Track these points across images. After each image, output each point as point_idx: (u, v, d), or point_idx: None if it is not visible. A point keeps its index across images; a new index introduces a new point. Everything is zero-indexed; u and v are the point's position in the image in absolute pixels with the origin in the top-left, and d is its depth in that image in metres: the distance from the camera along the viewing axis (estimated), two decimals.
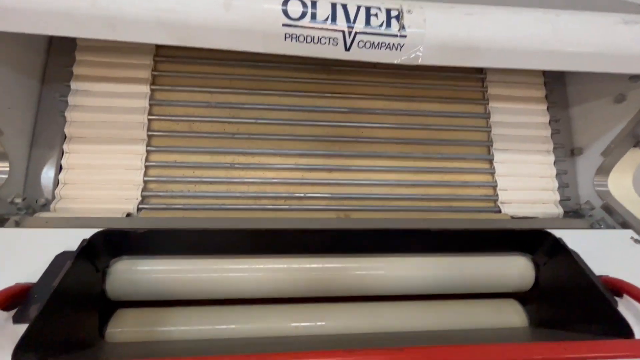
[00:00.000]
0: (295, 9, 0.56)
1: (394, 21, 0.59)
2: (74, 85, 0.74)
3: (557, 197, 0.83)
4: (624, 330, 0.46)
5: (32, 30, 0.55)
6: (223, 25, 0.56)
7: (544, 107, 0.88)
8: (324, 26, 0.57)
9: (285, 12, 0.56)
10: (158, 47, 0.79)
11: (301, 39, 0.58)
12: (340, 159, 0.80)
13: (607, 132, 0.81)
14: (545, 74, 0.90)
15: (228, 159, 0.78)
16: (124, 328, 0.53)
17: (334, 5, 0.57)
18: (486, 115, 0.86)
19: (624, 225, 0.74)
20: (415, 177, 0.82)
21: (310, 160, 0.79)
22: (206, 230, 0.59)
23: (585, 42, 0.63)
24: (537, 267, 0.62)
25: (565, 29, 0.63)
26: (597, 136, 0.83)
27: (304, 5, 0.56)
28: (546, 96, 0.89)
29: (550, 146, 0.86)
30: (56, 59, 0.76)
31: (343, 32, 0.58)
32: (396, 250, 0.61)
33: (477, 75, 0.88)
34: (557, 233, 0.60)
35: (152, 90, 0.77)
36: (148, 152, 0.75)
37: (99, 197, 0.72)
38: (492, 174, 0.83)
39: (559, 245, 0.58)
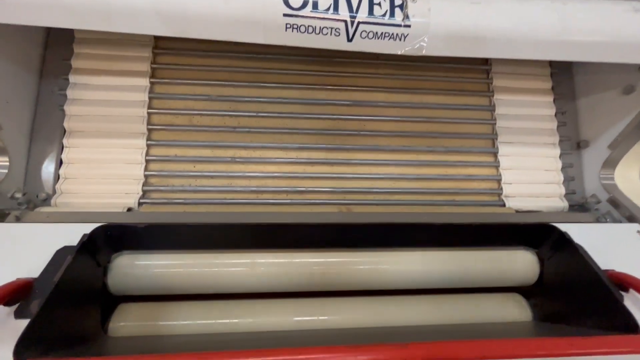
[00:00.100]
0: None
1: (397, 10, 0.57)
2: (72, 78, 0.73)
3: (563, 190, 0.82)
4: (630, 325, 0.45)
5: (27, 22, 0.54)
6: (222, 16, 0.55)
7: (550, 99, 0.87)
8: (326, 16, 0.56)
9: (286, 2, 0.55)
10: (157, 39, 0.78)
11: (302, 29, 0.56)
12: (343, 153, 0.80)
13: (614, 125, 0.79)
14: (552, 64, 0.88)
15: (229, 152, 0.77)
16: (126, 322, 0.53)
17: None
18: (491, 108, 0.85)
19: (631, 219, 0.73)
20: (419, 170, 0.81)
21: (312, 153, 0.79)
22: (208, 225, 0.59)
23: (594, 31, 0.62)
24: (541, 261, 0.61)
25: (573, 18, 0.61)
26: (604, 128, 0.81)
27: None
28: (552, 88, 0.87)
29: (556, 139, 0.85)
30: (54, 52, 0.75)
31: (345, 21, 0.56)
32: (399, 245, 0.60)
33: (482, 67, 0.86)
34: (562, 227, 0.59)
35: (151, 83, 0.76)
36: (148, 146, 0.75)
37: (100, 191, 0.71)
38: (497, 167, 0.82)
39: (564, 239, 0.58)
